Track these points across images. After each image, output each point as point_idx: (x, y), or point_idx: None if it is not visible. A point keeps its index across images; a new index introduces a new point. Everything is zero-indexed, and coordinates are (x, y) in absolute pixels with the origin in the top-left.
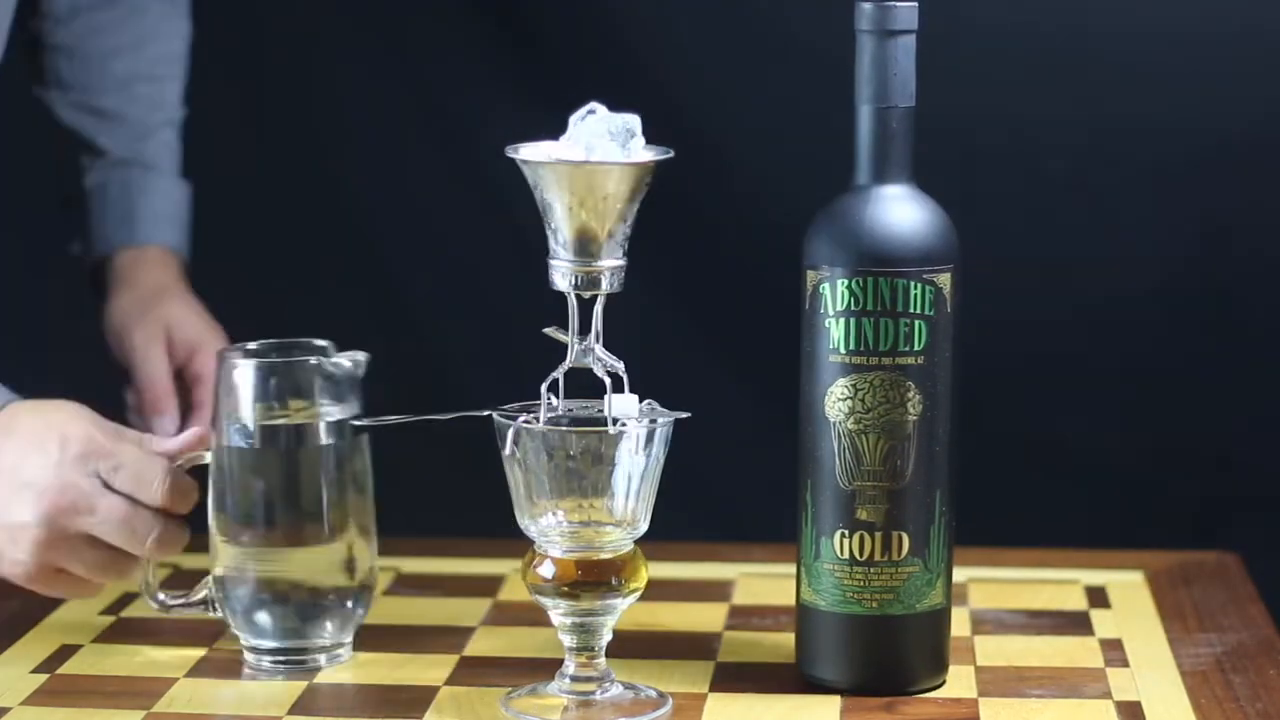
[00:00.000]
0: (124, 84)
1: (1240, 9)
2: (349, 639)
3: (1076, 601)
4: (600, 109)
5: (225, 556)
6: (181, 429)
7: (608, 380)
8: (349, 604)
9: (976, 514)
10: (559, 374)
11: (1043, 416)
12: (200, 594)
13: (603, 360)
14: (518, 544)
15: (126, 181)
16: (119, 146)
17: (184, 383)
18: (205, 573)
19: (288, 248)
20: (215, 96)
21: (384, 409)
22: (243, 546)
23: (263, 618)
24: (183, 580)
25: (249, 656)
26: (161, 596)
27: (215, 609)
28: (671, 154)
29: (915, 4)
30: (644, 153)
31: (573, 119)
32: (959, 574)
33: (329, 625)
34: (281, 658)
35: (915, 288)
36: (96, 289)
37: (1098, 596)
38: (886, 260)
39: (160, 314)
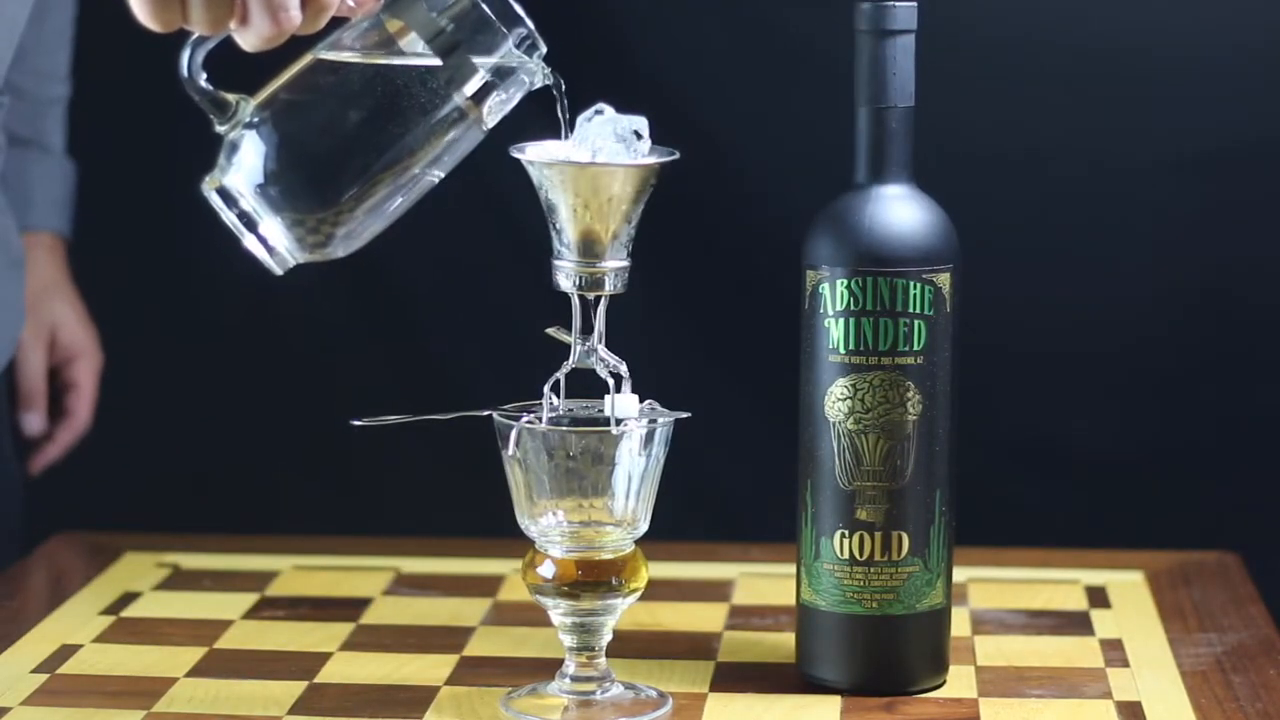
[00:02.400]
0: (22, 56)
1: (1241, 12)
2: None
3: (1076, 601)
4: (608, 110)
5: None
6: (51, 429)
7: (611, 381)
8: None
9: (976, 514)
10: (561, 374)
11: (1043, 416)
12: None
13: (605, 360)
14: (518, 544)
15: (24, 162)
16: (18, 124)
17: (58, 382)
18: (205, 574)
19: None
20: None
21: (384, 409)
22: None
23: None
24: (183, 580)
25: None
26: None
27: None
28: (677, 155)
29: (914, 4)
30: (649, 154)
31: (580, 119)
32: (959, 574)
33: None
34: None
35: (915, 287)
36: None
37: (1098, 596)
38: (886, 260)
39: (47, 313)
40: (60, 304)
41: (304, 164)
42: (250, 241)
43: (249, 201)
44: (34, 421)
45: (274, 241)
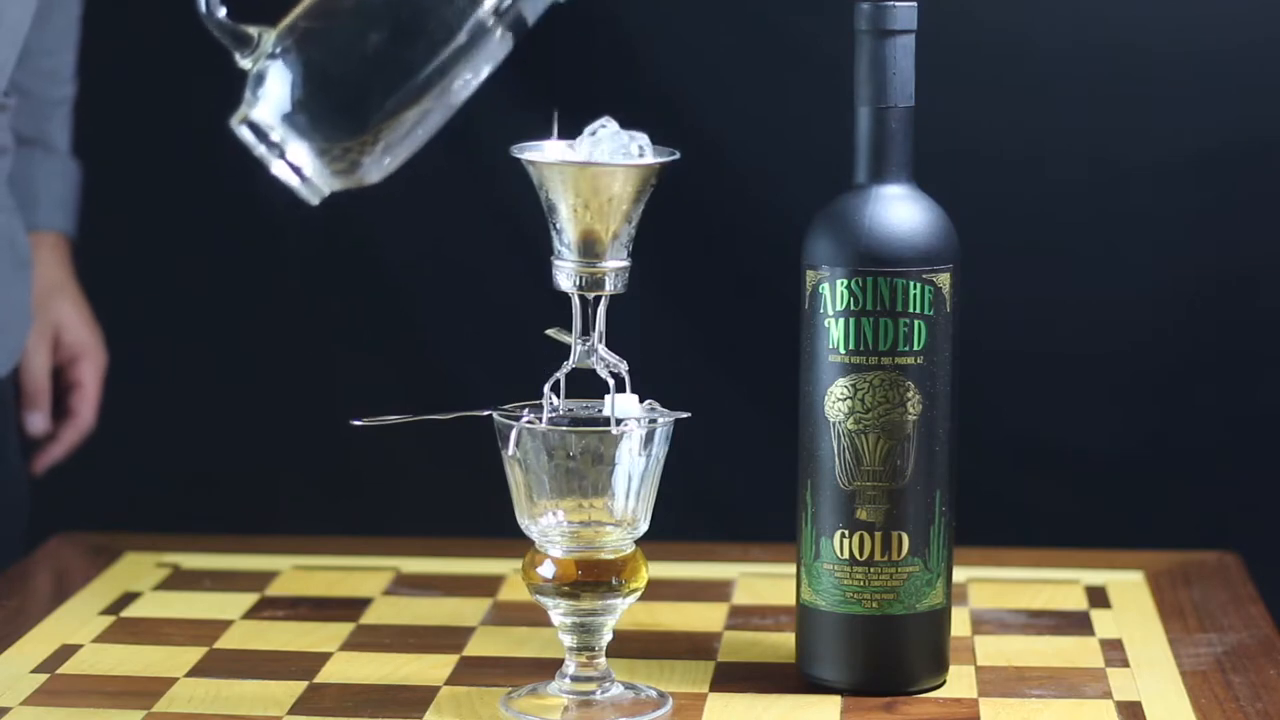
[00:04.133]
0: (27, 56)
1: (1242, 12)
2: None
3: (1076, 601)
4: (612, 124)
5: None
6: (55, 428)
7: (611, 381)
8: None
9: (976, 514)
10: (561, 374)
11: (1043, 416)
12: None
13: (605, 360)
14: (518, 544)
15: (29, 162)
16: (23, 124)
17: (62, 382)
18: (205, 574)
19: (289, 248)
20: (216, 95)
21: (384, 409)
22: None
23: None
24: (183, 580)
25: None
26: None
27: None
28: (677, 156)
29: (914, 4)
30: (649, 155)
31: (585, 132)
32: (959, 574)
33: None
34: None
35: (914, 287)
36: None
37: (1098, 596)
38: (886, 260)
39: (52, 314)
40: (65, 304)
41: (330, 90)
42: (283, 172)
43: (278, 132)
44: (38, 421)
45: (307, 170)
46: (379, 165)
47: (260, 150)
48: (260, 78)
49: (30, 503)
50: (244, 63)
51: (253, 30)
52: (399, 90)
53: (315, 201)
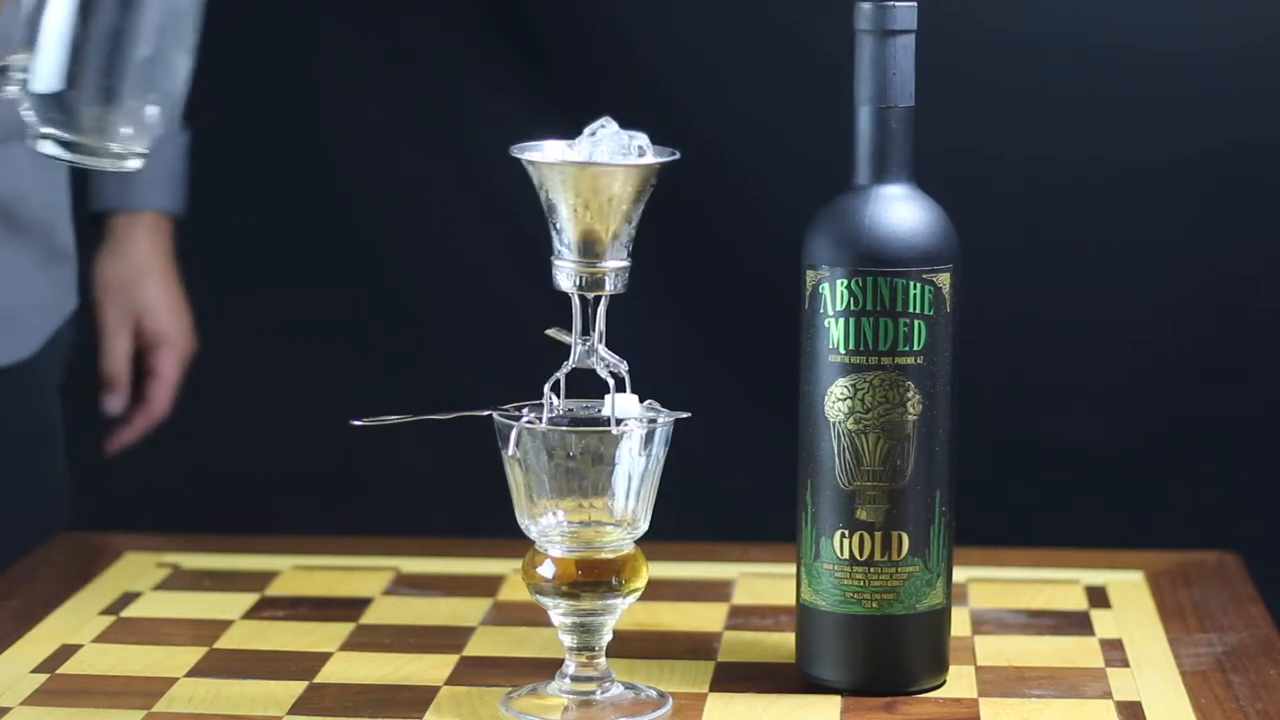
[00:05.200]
0: None
1: (1242, 12)
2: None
3: (1076, 601)
4: (612, 124)
5: None
6: (129, 412)
7: (611, 381)
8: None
9: (976, 514)
10: (561, 374)
11: (1043, 416)
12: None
13: (605, 360)
14: (518, 544)
15: None
16: None
17: (142, 366)
18: (205, 574)
19: (290, 246)
20: (218, 97)
21: (384, 409)
22: None
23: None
24: (183, 580)
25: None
26: None
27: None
28: (677, 156)
29: (915, 4)
30: (649, 154)
31: (585, 132)
32: (959, 574)
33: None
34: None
35: (914, 287)
36: (94, 229)
37: (1098, 596)
38: (886, 260)
39: (137, 299)
40: (151, 289)
41: (83, 69)
42: (101, 162)
43: (71, 133)
44: (113, 404)
45: (121, 147)
46: (152, 110)
47: (69, 155)
48: (28, 94)
49: (71, 503)
50: (10, 89)
51: (3, 62)
52: (117, 42)
53: (139, 165)
